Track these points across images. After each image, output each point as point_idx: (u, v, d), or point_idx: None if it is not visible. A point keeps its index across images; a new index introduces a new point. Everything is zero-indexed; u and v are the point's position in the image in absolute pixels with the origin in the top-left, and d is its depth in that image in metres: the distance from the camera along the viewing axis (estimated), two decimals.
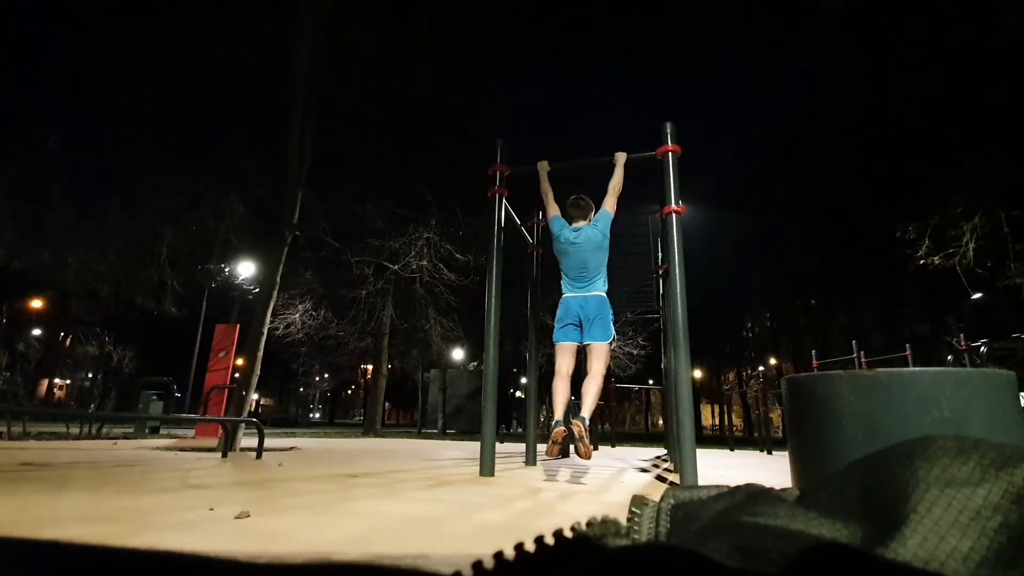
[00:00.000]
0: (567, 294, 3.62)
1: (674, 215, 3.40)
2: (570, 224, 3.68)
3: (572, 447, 3.68)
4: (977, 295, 8.76)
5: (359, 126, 10.62)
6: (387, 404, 37.26)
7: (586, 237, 3.56)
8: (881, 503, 0.29)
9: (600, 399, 3.56)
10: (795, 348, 28.58)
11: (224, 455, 4.34)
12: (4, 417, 6.34)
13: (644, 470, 4.30)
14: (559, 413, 3.33)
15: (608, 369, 3.74)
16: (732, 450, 9.17)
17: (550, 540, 0.24)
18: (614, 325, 3.60)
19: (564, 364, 3.51)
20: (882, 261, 17.72)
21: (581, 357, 3.71)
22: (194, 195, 11.01)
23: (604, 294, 3.57)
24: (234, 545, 1.29)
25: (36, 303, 23.83)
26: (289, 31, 6.69)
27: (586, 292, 3.55)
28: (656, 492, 0.44)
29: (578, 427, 3.11)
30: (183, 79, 10.64)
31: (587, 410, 3.26)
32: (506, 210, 4.09)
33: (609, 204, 3.66)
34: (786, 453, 1.87)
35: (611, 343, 3.57)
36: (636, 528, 0.33)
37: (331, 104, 7.84)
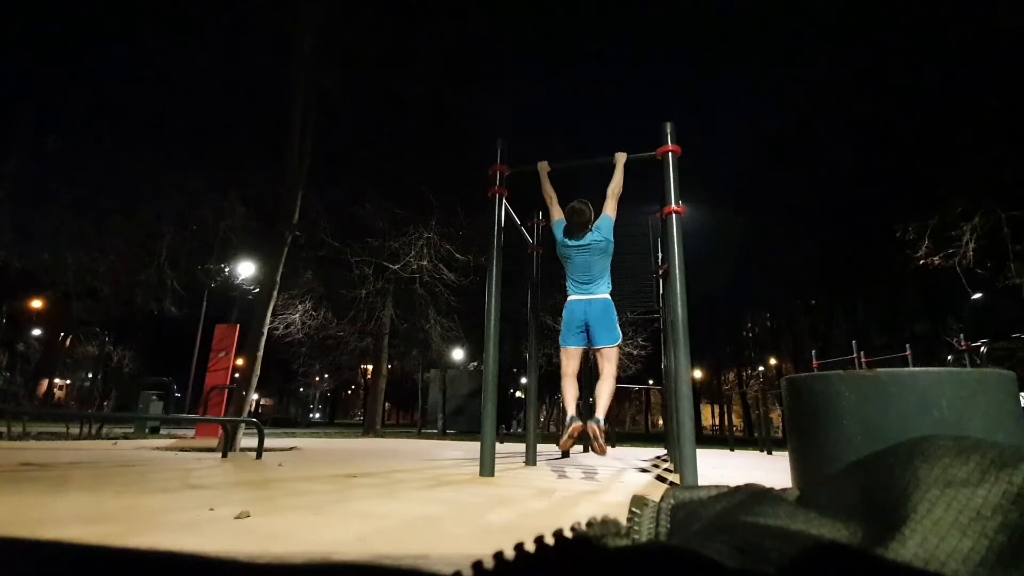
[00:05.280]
0: (572, 297, 3.64)
1: (674, 215, 3.40)
2: (573, 230, 3.69)
3: (588, 446, 3.71)
4: (977, 295, 8.76)
5: (360, 126, 10.62)
6: (387, 404, 37.24)
7: (589, 242, 3.58)
8: (881, 503, 0.29)
9: None
10: (795, 348, 28.59)
11: (224, 455, 4.34)
12: (4, 417, 6.34)
13: (644, 470, 4.30)
14: (572, 409, 3.40)
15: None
16: (732, 450, 9.17)
17: (550, 540, 0.24)
18: (619, 327, 3.63)
19: (571, 366, 3.58)
20: (882, 261, 17.71)
21: (586, 358, 3.72)
22: (194, 195, 11.00)
23: (608, 296, 3.60)
24: (234, 545, 1.29)
25: (36, 303, 23.79)
26: (290, 30, 6.69)
27: (591, 295, 3.57)
28: (656, 492, 0.44)
29: (593, 429, 3.20)
30: (183, 78, 10.64)
31: (601, 411, 3.33)
32: (506, 210, 4.09)
33: (610, 208, 3.67)
34: (786, 453, 1.87)
35: (619, 345, 3.60)
36: (636, 528, 0.33)
37: (332, 103, 7.83)
